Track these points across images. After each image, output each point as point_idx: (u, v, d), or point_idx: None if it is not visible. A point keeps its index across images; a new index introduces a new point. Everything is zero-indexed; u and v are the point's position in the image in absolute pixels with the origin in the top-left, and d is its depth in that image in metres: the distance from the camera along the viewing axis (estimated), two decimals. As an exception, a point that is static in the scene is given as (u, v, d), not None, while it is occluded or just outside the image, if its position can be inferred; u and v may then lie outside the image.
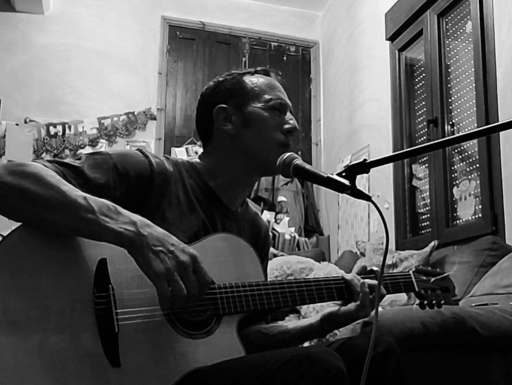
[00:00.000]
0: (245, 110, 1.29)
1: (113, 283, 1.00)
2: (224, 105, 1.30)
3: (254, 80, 1.33)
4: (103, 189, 1.08)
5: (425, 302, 1.34)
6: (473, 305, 1.75)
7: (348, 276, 1.27)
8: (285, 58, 5.35)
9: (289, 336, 1.31)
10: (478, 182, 2.91)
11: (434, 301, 1.35)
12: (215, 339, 1.09)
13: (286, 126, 1.30)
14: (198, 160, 1.34)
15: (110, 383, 0.95)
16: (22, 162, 1.00)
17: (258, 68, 1.38)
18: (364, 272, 1.30)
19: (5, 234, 0.95)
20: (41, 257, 0.96)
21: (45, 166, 1.02)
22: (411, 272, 1.39)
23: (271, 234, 4.32)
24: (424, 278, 1.40)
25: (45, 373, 0.89)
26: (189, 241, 1.13)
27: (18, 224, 0.97)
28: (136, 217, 0.99)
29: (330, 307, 1.30)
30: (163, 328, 1.04)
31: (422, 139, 3.56)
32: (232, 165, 1.30)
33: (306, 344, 1.48)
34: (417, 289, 1.36)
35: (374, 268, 1.32)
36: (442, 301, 1.36)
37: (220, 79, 1.36)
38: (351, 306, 1.25)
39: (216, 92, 1.33)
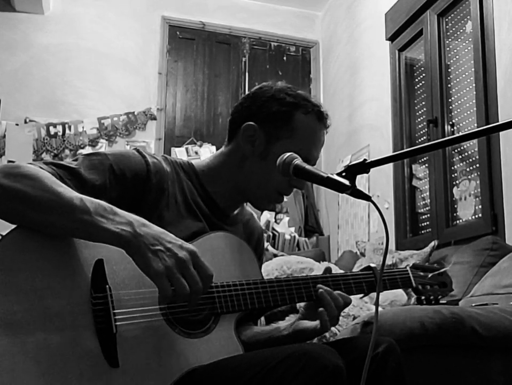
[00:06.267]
0: (272, 144, 1.24)
1: (110, 283, 1.00)
2: (256, 125, 1.25)
3: (304, 122, 1.25)
4: (100, 190, 1.08)
5: (423, 297, 1.34)
6: (473, 305, 1.75)
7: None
8: (285, 58, 5.35)
9: (259, 343, 1.28)
10: (478, 182, 2.91)
11: (431, 297, 1.35)
12: (213, 338, 1.09)
13: (296, 185, 1.28)
14: (201, 161, 1.33)
15: (109, 383, 0.94)
16: (18, 164, 1.00)
17: (317, 108, 1.28)
18: (328, 271, 1.28)
19: (4, 234, 0.95)
20: (38, 259, 0.95)
21: (41, 167, 1.01)
22: (408, 268, 1.39)
23: (271, 234, 4.34)
24: (421, 273, 1.39)
25: (44, 374, 0.89)
26: (187, 241, 1.13)
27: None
28: (132, 217, 0.98)
29: (301, 320, 1.27)
30: (161, 328, 1.03)
31: (422, 139, 3.56)
32: (231, 179, 1.29)
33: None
34: (414, 285, 1.36)
35: (372, 265, 1.31)
36: (440, 296, 1.36)
37: (277, 94, 1.26)
38: (318, 322, 1.21)
39: (260, 105, 1.26)
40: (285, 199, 1.33)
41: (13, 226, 0.97)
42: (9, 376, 0.87)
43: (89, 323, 0.96)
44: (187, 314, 1.07)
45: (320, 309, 1.19)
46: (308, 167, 1.09)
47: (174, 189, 1.21)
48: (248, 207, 1.43)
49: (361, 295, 1.31)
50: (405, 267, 1.38)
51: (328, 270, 1.28)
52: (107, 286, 0.99)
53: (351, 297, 1.25)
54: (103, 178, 1.10)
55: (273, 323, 1.34)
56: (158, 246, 0.96)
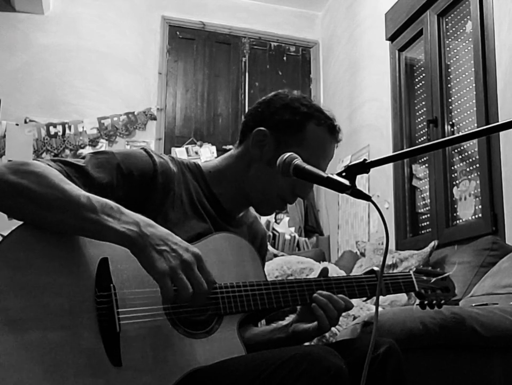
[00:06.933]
0: (280, 151, 1.21)
1: (115, 282, 1.00)
2: (267, 131, 1.25)
3: (315, 133, 1.25)
4: (107, 188, 1.08)
5: (426, 302, 1.34)
6: (473, 305, 1.75)
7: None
8: (285, 58, 5.35)
9: (257, 344, 1.27)
10: (478, 182, 2.91)
11: (434, 301, 1.34)
12: (216, 339, 1.09)
13: (300, 193, 1.28)
14: (208, 163, 1.33)
15: (112, 382, 0.95)
16: (26, 161, 0.99)
17: (330, 121, 1.28)
18: (324, 274, 1.28)
19: (5, 234, 0.95)
20: (43, 256, 0.96)
21: (48, 165, 1.01)
22: (411, 272, 1.39)
23: (271, 234, 4.33)
24: (424, 278, 1.39)
25: (46, 372, 0.89)
26: (191, 241, 1.13)
27: (19, 223, 0.97)
28: (139, 217, 0.98)
29: (299, 322, 1.27)
30: (165, 328, 1.04)
31: (422, 139, 3.56)
32: (236, 182, 1.29)
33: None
34: (417, 289, 1.36)
35: (375, 268, 1.32)
36: (443, 301, 1.36)
37: (292, 103, 1.26)
38: (316, 323, 1.21)
39: (273, 112, 1.27)
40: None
41: (16, 225, 0.97)
42: (13, 373, 0.87)
43: (93, 322, 0.96)
44: (190, 314, 1.07)
45: (319, 311, 1.18)
46: (308, 167, 1.09)
47: (180, 189, 1.21)
48: (252, 210, 1.43)
49: (364, 298, 1.31)
50: (409, 271, 1.38)
51: (324, 271, 1.27)
52: (112, 285, 0.99)
53: (353, 300, 1.26)
54: (111, 177, 1.10)
55: (273, 324, 1.33)
56: (163, 247, 0.96)
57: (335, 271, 2.64)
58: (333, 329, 1.86)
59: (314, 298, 1.20)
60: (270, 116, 1.27)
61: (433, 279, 1.40)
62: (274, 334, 1.29)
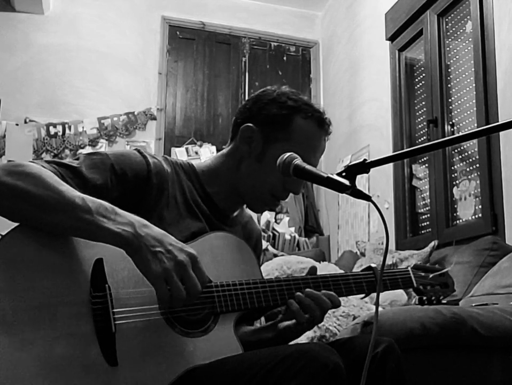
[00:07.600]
0: (268, 146, 1.24)
1: (110, 282, 1.00)
2: (254, 127, 1.25)
3: (303, 126, 1.25)
4: (101, 189, 1.08)
5: (424, 298, 1.34)
6: (473, 305, 1.75)
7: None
8: (285, 58, 5.34)
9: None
10: (478, 182, 2.91)
11: (433, 297, 1.34)
12: (213, 338, 1.09)
13: (292, 189, 1.27)
14: (202, 162, 1.33)
15: (108, 382, 0.95)
16: (20, 162, 1.00)
17: (318, 114, 1.28)
18: (312, 272, 1.27)
19: (4, 234, 0.95)
20: (38, 257, 0.96)
21: (43, 166, 1.02)
22: (409, 268, 1.38)
23: (271, 234, 4.34)
24: (423, 274, 1.39)
25: (42, 372, 0.89)
26: (186, 241, 1.13)
27: (16, 224, 0.97)
28: (134, 218, 0.99)
29: (286, 320, 1.26)
30: (161, 327, 1.04)
31: (422, 139, 3.56)
32: (229, 180, 1.29)
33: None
34: (415, 285, 1.35)
35: (372, 265, 1.31)
36: (441, 297, 1.36)
37: (279, 97, 1.26)
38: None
39: (261, 107, 1.27)
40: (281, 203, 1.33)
41: (14, 225, 0.97)
42: (8, 374, 0.87)
43: (88, 322, 0.96)
44: (186, 313, 1.07)
45: (294, 305, 1.17)
46: (308, 167, 1.09)
47: (174, 189, 1.21)
48: (248, 210, 1.43)
49: (362, 295, 1.31)
50: (407, 268, 1.38)
51: (312, 269, 1.27)
52: (107, 285, 1.00)
53: (352, 297, 1.25)
54: (105, 178, 1.10)
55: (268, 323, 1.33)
56: (158, 248, 0.96)
57: (334, 271, 2.63)
58: (333, 329, 1.86)
59: (297, 296, 1.18)
60: (257, 112, 1.27)
61: (431, 275, 1.39)
62: (263, 333, 1.28)
